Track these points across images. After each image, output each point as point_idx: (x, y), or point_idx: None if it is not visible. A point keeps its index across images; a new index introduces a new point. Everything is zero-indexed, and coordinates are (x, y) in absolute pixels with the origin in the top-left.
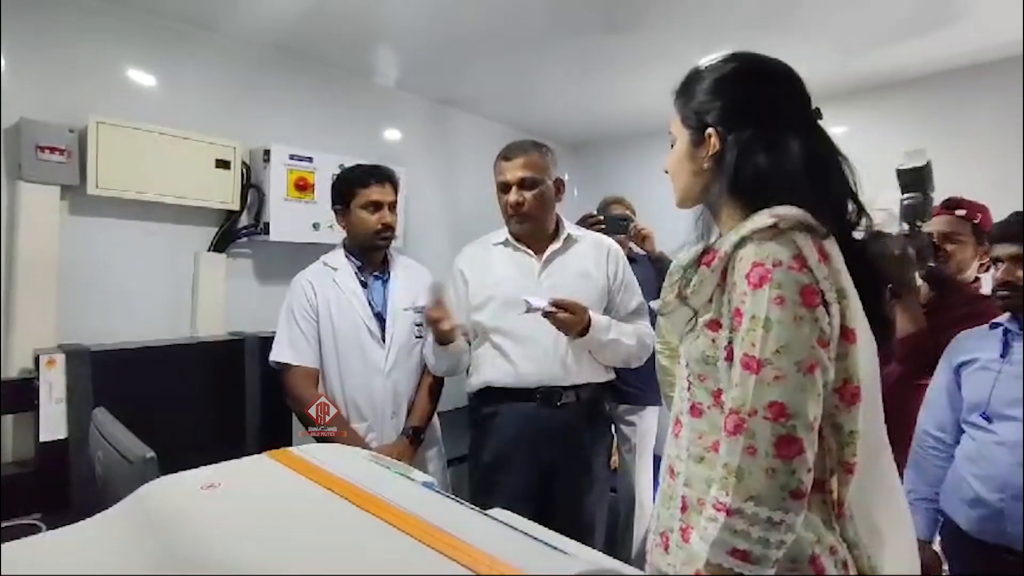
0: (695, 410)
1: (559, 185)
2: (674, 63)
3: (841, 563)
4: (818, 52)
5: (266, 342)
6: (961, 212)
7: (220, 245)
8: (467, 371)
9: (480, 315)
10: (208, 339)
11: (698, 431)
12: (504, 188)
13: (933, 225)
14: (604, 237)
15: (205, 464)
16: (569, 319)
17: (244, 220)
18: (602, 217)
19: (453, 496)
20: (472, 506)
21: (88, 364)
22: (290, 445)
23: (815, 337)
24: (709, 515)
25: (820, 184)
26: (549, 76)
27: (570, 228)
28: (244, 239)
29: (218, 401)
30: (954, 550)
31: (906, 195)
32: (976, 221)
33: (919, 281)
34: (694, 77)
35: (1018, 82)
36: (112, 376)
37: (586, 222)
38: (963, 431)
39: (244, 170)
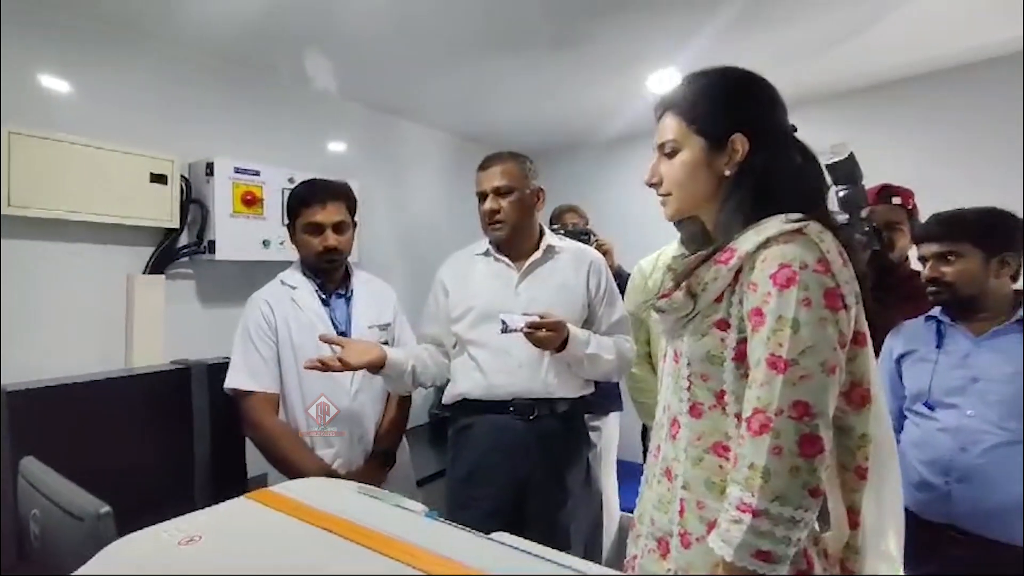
0: (695, 410)
1: (538, 194)
2: (625, 75)
3: (823, 553)
4: (758, 65)
5: (215, 370)
6: (897, 200)
7: (158, 266)
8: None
9: (458, 327)
10: (147, 370)
11: (697, 432)
12: (481, 197)
13: (877, 216)
14: (587, 248)
15: (152, 513)
16: (547, 337)
17: (185, 238)
18: (563, 232)
19: (457, 524)
20: (478, 533)
21: (4, 407)
22: (245, 480)
23: (836, 339)
24: (732, 516)
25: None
26: (500, 86)
27: (552, 239)
28: (185, 259)
29: (162, 438)
30: (906, 530)
31: (840, 187)
32: (910, 207)
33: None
34: (701, 83)
35: (928, 97)
36: (34, 419)
37: None
38: (905, 418)
39: (184, 185)
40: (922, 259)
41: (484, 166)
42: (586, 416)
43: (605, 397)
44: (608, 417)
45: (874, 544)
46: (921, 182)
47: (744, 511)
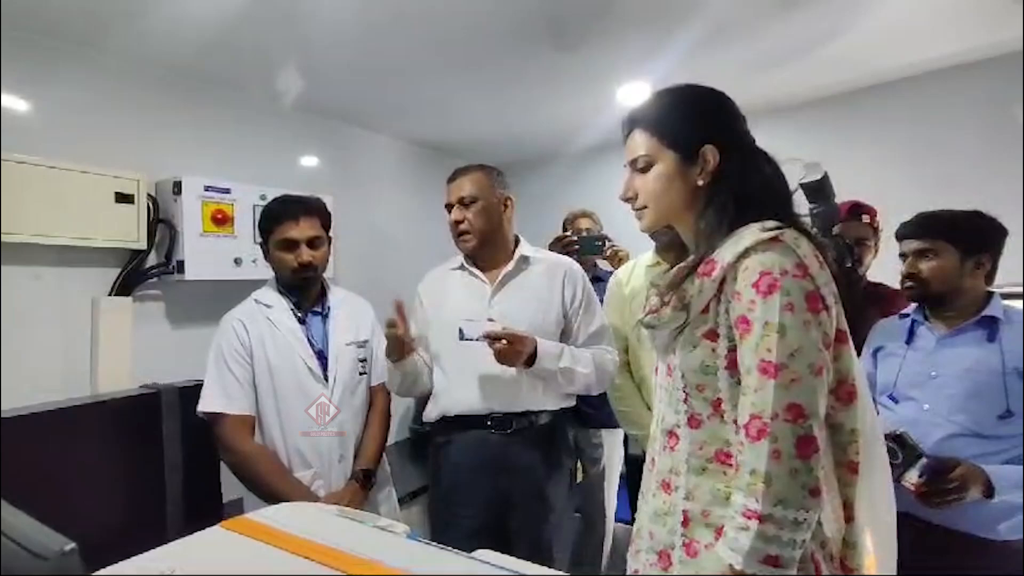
0: (694, 421)
1: (506, 203)
2: (595, 88)
3: (829, 556)
4: (722, 79)
5: (186, 393)
6: (867, 219)
7: (124, 288)
8: (424, 400)
9: (434, 342)
10: (114, 396)
11: (698, 442)
12: (449, 209)
13: (847, 232)
14: (564, 257)
15: (121, 546)
16: (507, 350)
17: (153, 259)
18: (575, 238)
19: (438, 544)
20: (461, 552)
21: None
22: (220, 507)
23: (820, 340)
24: (739, 524)
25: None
26: (472, 98)
27: (527, 249)
28: (154, 280)
29: (131, 466)
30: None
31: (813, 205)
32: (876, 225)
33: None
34: (669, 99)
35: (886, 107)
36: None
37: (559, 243)
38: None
39: (151, 204)
40: (902, 256)
41: (451, 179)
42: (590, 432)
43: (608, 412)
44: (611, 432)
45: (868, 538)
46: (873, 190)
47: (750, 517)
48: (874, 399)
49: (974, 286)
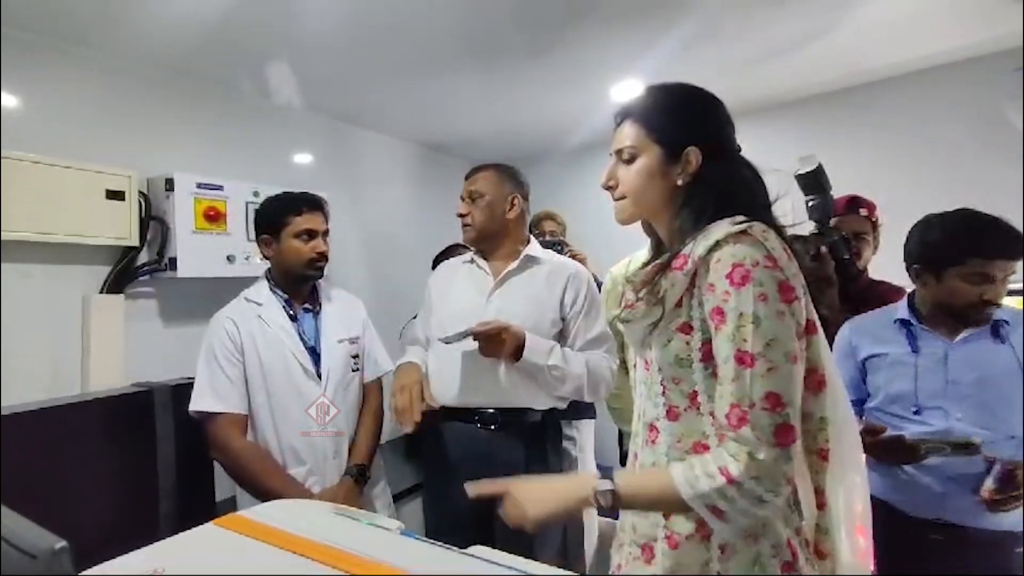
0: (672, 413)
1: (513, 201)
2: (589, 86)
3: (804, 542)
4: (715, 75)
5: (179, 391)
6: (865, 212)
7: (116, 286)
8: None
9: (433, 332)
10: (105, 395)
11: (676, 435)
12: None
13: (845, 225)
14: (571, 261)
15: (113, 546)
16: (491, 343)
17: (145, 256)
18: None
19: (432, 541)
20: (455, 548)
21: None
22: (213, 505)
23: (794, 329)
24: (709, 471)
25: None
26: (464, 96)
27: (536, 250)
28: (146, 277)
29: (123, 465)
30: (889, 526)
31: (809, 197)
32: (874, 219)
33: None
34: (662, 96)
35: (879, 104)
36: None
37: None
38: (862, 415)
39: (143, 201)
40: (988, 277)
41: (466, 176)
42: (560, 423)
43: (578, 404)
44: (582, 424)
45: (841, 525)
46: (867, 186)
47: (723, 475)
48: (872, 408)
49: None
